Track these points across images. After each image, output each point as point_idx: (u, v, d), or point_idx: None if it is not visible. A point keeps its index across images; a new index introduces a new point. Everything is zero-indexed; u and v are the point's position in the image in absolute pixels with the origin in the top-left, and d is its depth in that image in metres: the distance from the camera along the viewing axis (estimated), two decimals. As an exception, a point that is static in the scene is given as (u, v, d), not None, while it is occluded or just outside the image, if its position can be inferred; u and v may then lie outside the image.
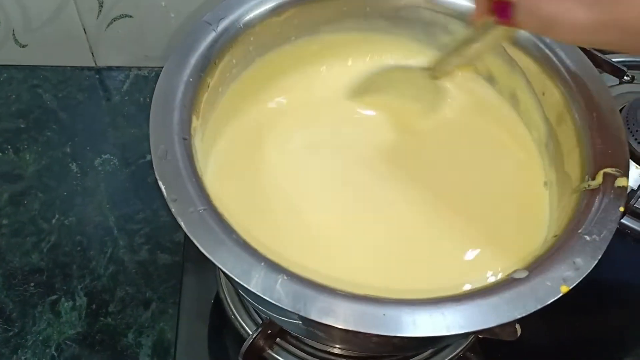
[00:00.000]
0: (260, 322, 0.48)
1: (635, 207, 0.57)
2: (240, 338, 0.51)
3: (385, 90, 0.50)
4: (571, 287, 0.33)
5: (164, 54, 0.71)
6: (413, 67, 0.48)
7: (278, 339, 0.49)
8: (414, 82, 0.48)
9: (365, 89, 0.50)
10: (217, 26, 0.43)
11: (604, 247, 0.35)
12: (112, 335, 0.55)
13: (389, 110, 0.50)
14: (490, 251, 0.42)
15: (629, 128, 0.58)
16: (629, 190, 0.56)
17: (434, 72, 0.46)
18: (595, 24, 0.29)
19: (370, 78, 0.50)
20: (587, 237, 0.35)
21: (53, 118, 0.69)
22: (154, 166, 0.36)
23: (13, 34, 0.69)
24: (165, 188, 0.35)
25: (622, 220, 0.58)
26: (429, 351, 0.49)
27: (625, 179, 0.38)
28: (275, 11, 0.46)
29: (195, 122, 0.40)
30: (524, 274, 0.34)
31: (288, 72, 0.51)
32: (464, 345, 0.50)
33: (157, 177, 0.36)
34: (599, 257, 0.35)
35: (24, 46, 0.70)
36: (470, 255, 0.42)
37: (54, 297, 0.57)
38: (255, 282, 0.32)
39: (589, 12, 0.29)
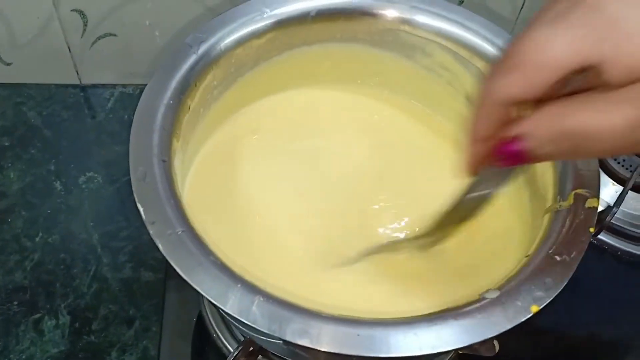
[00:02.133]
0: (242, 340, 0.49)
1: (612, 223, 0.58)
2: (223, 356, 0.51)
3: None
4: (541, 307, 0.34)
5: (149, 72, 0.72)
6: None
7: (260, 356, 0.49)
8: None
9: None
10: (198, 48, 0.44)
11: (574, 267, 0.36)
12: (96, 354, 0.55)
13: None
14: (465, 271, 0.43)
15: (606, 146, 0.59)
16: (605, 206, 0.58)
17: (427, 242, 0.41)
18: (633, 122, 0.24)
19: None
20: (558, 258, 0.36)
21: (37, 135, 0.69)
22: (133, 188, 0.37)
23: (-2, 52, 0.69)
24: (143, 210, 0.36)
25: (600, 237, 0.59)
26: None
27: (595, 199, 0.39)
28: (255, 34, 0.46)
29: (175, 144, 0.41)
30: (495, 294, 0.35)
31: (267, 90, 0.52)
32: (444, 362, 0.51)
33: (136, 200, 0.36)
34: (569, 277, 0.35)
35: (8, 64, 0.70)
36: (444, 275, 0.43)
37: (37, 315, 0.57)
38: (232, 303, 0.33)
39: (627, 109, 0.24)
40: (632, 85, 0.24)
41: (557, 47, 0.25)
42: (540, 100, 0.27)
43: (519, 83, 0.26)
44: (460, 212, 0.36)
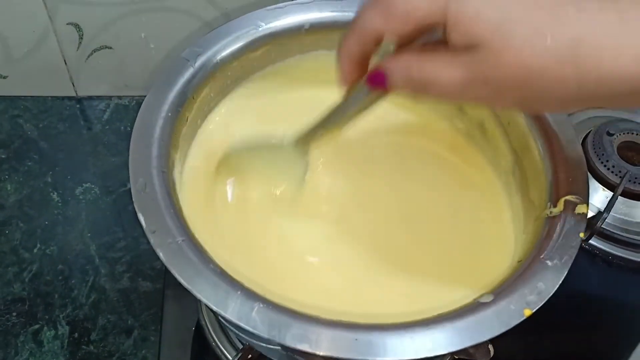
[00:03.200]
0: (240, 347, 0.49)
1: (603, 228, 0.59)
2: (221, 364, 0.52)
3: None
4: (534, 311, 0.35)
5: (145, 83, 0.73)
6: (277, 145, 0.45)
7: (258, 364, 0.50)
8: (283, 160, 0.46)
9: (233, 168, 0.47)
10: (195, 62, 0.45)
11: (565, 272, 0.37)
12: (94, 364, 0.56)
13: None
14: (459, 277, 0.43)
15: (595, 152, 0.60)
16: (596, 212, 0.58)
17: (302, 146, 0.43)
18: (466, 81, 0.31)
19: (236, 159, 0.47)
20: (549, 262, 0.37)
21: (34, 148, 0.69)
22: (134, 199, 0.37)
23: (-6, 66, 0.70)
24: (144, 220, 0.36)
25: (591, 242, 0.60)
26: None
27: (584, 205, 0.40)
28: (251, 47, 0.47)
29: (173, 155, 0.42)
30: (489, 298, 0.35)
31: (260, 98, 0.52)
32: (440, 367, 0.51)
33: (137, 210, 0.37)
34: (561, 281, 0.36)
35: (4, 77, 0.71)
36: (440, 280, 0.44)
37: (36, 326, 0.57)
38: (232, 310, 0.34)
39: (460, 70, 0.31)
40: (468, 50, 0.30)
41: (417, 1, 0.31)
42: (402, 45, 0.33)
43: (383, 21, 0.32)
44: (328, 126, 0.41)
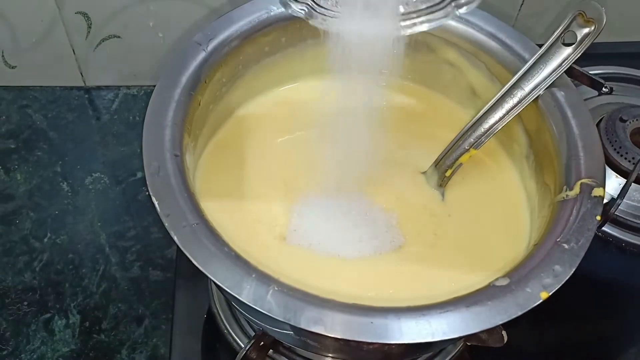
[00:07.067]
0: (253, 334, 0.49)
1: (616, 215, 0.59)
2: (233, 352, 0.52)
3: None
4: (551, 294, 0.35)
5: (153, 73, 0.73)
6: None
7: (270, 351, 0.50)
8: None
9: None
10: (207, 46, 0.44)
11: (582, 255, 0.36)
12: (106, 352, 0.55)
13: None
14: (474, 261, 0.43)
15: (608, 139, 0.60)
16: (609, 198, 0.58)
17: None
18: None
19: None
20: (566, 246, 0.37)
21: (43, 138, 0.69)
22: (147, 182, 0.37)
23: (2, 56, 0.69)
24: (158, 204, 0.36)
25: (604, 229, 0.60)
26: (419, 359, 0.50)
27: (601, 189, 0.39)
28: (262, 31, 0.47)
29: (186, 139, 0.41)
30: (505, 282, 0.35)
31: (273, 83, 0.53)
32: (453, 353, 0.51)
33: (151, 193, 0.37)
34: (577, 264, 0.36)
35: (13, 67, 0.71)
36: (455, 264, 0.43)
37: (47, 315, 0.57)
38: (247, 293, 0.33)
39: None
40: None
41: None
42: None
43: None
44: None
